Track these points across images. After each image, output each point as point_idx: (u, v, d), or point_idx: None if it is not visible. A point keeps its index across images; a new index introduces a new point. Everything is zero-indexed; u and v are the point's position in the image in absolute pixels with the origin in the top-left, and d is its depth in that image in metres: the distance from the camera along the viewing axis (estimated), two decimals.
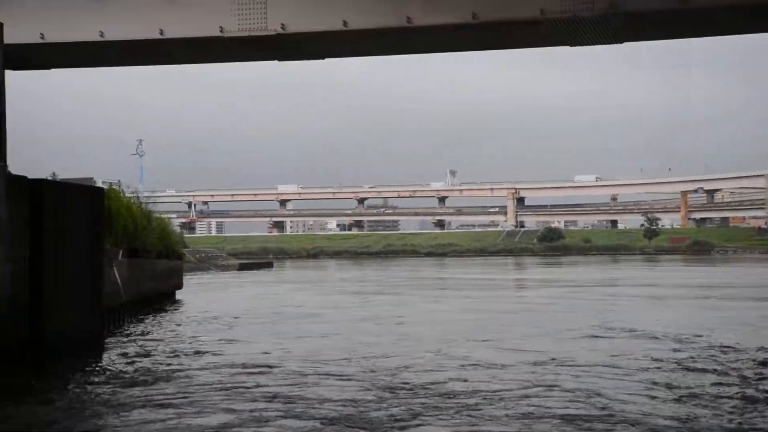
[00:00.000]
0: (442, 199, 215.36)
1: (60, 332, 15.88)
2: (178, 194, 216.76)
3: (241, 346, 19.95)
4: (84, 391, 13.88)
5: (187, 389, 13.66)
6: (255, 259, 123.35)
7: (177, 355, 18.18)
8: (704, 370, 15.03)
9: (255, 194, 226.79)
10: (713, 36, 24.73)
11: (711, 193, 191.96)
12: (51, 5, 22.36)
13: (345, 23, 21.88)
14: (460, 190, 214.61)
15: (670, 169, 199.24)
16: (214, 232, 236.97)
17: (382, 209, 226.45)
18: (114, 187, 30.51)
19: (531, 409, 11.80)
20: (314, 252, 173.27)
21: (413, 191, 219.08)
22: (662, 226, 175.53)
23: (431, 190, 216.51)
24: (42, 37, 22.56)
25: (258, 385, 13.87)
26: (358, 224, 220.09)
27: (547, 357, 16.90)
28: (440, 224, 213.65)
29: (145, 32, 22.51)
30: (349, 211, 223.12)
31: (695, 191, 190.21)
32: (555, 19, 20.96)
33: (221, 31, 22.33)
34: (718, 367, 15.47)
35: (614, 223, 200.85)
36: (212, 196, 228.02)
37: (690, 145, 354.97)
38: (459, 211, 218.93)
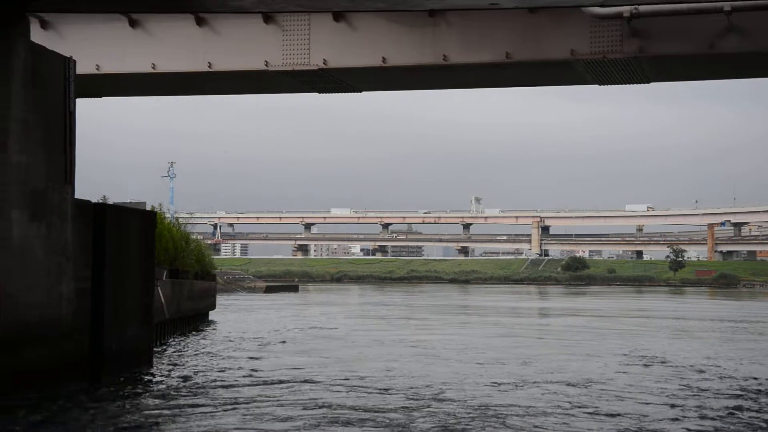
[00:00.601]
0: (466, 226, 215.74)
1: (116, 345, 16.95)
2: (204, 215, 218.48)
3: (280, 362, 21.04)
4: (136, 398, 14.98)
5: (234, 399, 14.71)
6: (280, 282, 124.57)
7: (221, 370, 19.29)
8: (737, 396, 15.89)
9: (280, 217, 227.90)
10: (738, 78, 25.63)
11: (738, 226, 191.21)
12: (107, 39, 23.62)
13: (384, 60, 23.01)
14: (485, 218, 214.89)
15: (696, 201, 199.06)
16: (238, 254, 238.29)
17: (395, 234, 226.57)
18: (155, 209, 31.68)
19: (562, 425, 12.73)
20: (338, 276, 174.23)
21: (438, 217, 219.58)
22: (688, 258, 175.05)
23: (456, 217, 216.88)
24: (98, 69, 23.84)
25: (307, 398, 14.90)
26: (382, 249, 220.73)
27: (580, 378, 17.84)
28: (464, 251, 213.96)
29: (194, 65, 23.76)
30: (364, 235, 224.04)
31: (722, 224, 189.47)
32: (585, 60, 21.99)
33: (266, 66, 23.54)
34: (747, 394, 16.32)
35: (639, 253, 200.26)
36: (237, 218, 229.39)
37: (718, 178, 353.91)
38: (474, 238, 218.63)
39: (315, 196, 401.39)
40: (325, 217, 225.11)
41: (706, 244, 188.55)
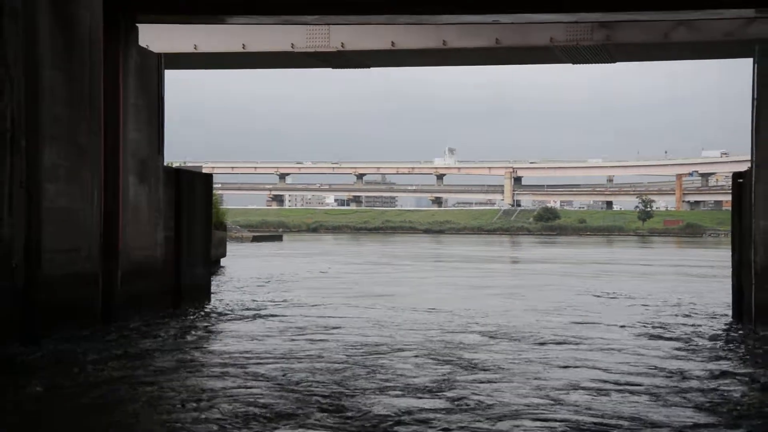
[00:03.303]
0: (440, 177, 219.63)
1: (189, 281, 21.36)
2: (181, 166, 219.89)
3: (305, 294, 25.93)
4: (210, 316, 19.65)
5: (284, 316, 19.35)
6: (263, 232, 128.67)
7: (262, 300, 24.04)
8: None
9: (255, 167, 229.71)
10: (688, 60, 30.16)
11: (706, 176, 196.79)
12: (157, 26, 27.67)
13: (393, 44, 27.28)
14: (458, 168, 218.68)
15: (666, 152, 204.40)
16: None
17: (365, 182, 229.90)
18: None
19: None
20: (314, 226, 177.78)
21: (411, 168, 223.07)
22: (657, 208, 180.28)
23: (430, 168, 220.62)
24: (147, 48, 27.89)
25: (339, 314, 19.54)
26: (357, 199, 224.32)
27: (564, 306, 22.53)
28: (438, 201, 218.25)
29: (230, 46, 28.00)
30: (338, 185, 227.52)
31: (690, 174, 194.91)
32: (562, 47, 26.42)
33: (292, 47, 27.82)
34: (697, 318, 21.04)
35: (609, 204, 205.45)
36: (212, 168, 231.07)
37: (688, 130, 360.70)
38: (448, 189, 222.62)
39: (290, 148, 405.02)
40: (300, 168, 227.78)
41: (674, 194, 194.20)
